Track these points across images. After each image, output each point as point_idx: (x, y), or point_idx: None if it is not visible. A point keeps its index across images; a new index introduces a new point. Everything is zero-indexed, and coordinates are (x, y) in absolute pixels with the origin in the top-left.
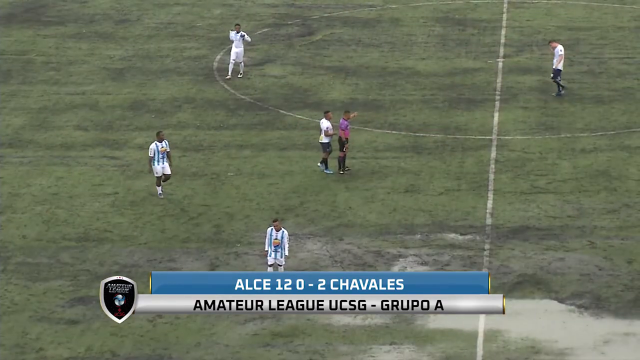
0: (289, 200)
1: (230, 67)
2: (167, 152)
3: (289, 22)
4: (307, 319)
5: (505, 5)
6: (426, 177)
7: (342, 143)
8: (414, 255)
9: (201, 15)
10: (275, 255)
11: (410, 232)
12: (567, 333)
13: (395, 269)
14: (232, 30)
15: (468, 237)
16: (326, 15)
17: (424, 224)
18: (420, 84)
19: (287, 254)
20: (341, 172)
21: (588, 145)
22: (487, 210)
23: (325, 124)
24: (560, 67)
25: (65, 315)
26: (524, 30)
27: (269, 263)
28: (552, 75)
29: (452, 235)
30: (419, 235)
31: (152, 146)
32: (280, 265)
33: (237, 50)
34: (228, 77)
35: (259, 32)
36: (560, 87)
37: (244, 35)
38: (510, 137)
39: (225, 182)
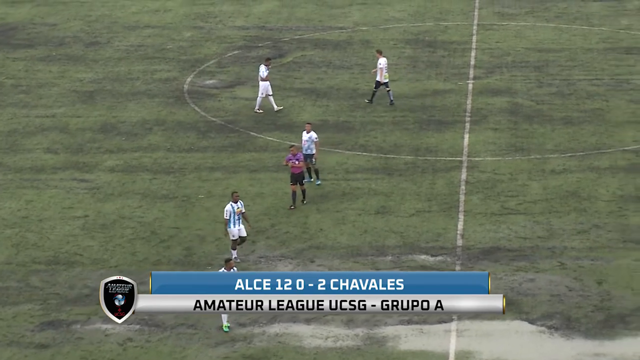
0: (260, 222)
1: (259, 101)
2: (243, 212)
3: (260, 45)
4: (278, 342)
5: (475, 27)
6: (397, 198)
7: (297, 177)
8: None
9: (171, 38)
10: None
11: (381, 253)
12: (538, 354)
13: None
14: (263, 64)
15: (439, 258)
16: (297, 37)
17: (395, 245)
18: (391, 106)
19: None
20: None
21: (558, 166)
22: (458, 232)
23: (306, 136)
24: (380, 79)
25: (35, 340)
26: (494, 52)
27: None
28: (374, 85)
29: (423, 256)
30: (390, 257)
31: (228, 207)
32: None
33: (264, 83)
34: (261, 111)
35: (230, 54)
36: (371, 99)
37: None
38: (480, 159)
39: (196, 204)
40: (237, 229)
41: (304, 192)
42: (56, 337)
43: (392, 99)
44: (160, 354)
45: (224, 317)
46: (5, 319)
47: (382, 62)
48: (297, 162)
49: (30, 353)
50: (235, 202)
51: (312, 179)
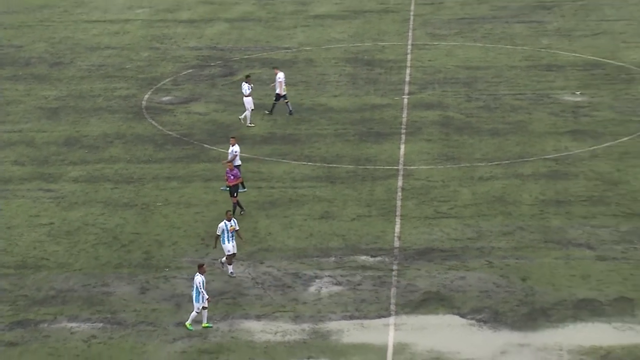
0: (214, 227)
1: (249, 115)
2: (237, 230)
3: (212, 64)
4: (231, 337)
5: (409, 47)
6: (339, 204)
7: (232, 190)
8: (328, 276)
9: (130, 58)
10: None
11: (325, 255)
12: (469, 345)
13: (312, 289)
14: (244, 82)
15: (378, 259)
16: (246, 57)
17: (337, 247)
18: (333, 119)
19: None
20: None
21: (485, 173)
22: (395, 234)
23: (230, 148)
24: (279, 91)
25: (4, 338)
26: (427, 69)
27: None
28: (274, 98)
29: (364, 257)
30: (334, 258)
31: (221, 225)
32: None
33: (248, 99)
34: (252, 125)
35: (184, 72)
36: (271, 110)
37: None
38: (415, 167)
39: (154, 211)
40: (232, 245)
41: (236, 204)
42: (24, 336)
43: (290, 109)
44: (122, 349)
45: (205, 315)
46: None
47: (281, 76)
48: (232, 177)
49: (0, 351)
50: (229, 220)
51: (245, 189)
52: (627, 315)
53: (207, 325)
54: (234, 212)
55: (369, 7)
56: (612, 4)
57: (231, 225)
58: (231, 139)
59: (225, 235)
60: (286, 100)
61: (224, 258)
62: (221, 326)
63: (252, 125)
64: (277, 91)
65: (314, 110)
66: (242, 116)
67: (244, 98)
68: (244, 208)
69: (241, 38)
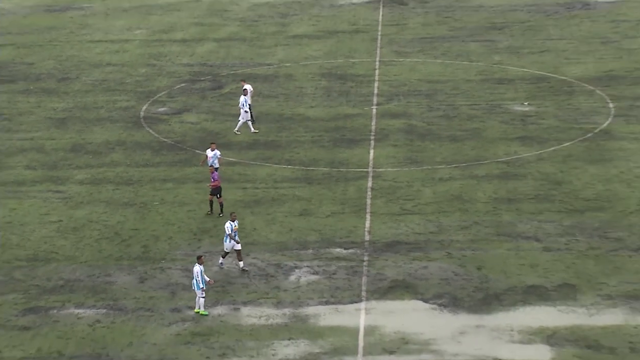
0: (204, 224)
1: (250, 123)
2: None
3: (202, 79)
4: (220, 321)
5: (377, 63)
6: (316, 203)
7: (215, 191)
8: (307, 266)
9: (129, 74)
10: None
11: (303, 248)
12: (431, 327)
13: (292, 278)
14: (243, 95)
15: (350, 251)
16: (232, 72)
17: (314, 241)
18: (310, 127)
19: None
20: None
21: (445, 175)
22: (366, 229)
23: (210, 153)
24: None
25: (18, 323)
26: (393, 83)
27: (238, 248)
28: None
29: (338, 249)
30: (311, 250)
31: (228, 225)
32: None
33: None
34: (256, 130)
35: (178, 86)
36: (253, 119)
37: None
38: (383, 169)
39: (151, 210)
40: (232, 244)
41: (221, 204)
42: (36, 321)
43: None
44: (123, 333)
45: (202, 303)
46: None
47: (248, 87)
48: (213, 180)
49: (14, 334)
50: (233, 221)
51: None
52: (570, 299)
53: (201, 312)
54: (221, 211)
55: (341, 28)
56: (556, 25)
57: (235, 226)
58: (212, 145)
59: (229, 233)
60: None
61: (221, 259)
62: (211, 311)
63: (257, 131)
64: (249, 102)
65: (293, 119)
66: (254, 130)
67: (242, 110)
68: (213, 212)
69: (228, 56)
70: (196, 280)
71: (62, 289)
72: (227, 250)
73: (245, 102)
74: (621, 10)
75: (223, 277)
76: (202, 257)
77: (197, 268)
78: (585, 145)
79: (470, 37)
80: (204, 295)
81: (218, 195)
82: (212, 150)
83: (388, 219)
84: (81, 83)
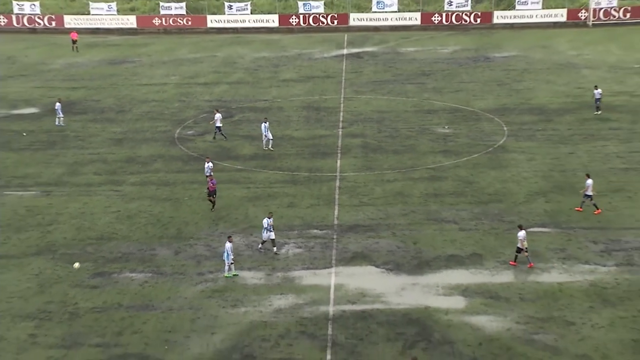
0: (220, 212)
1: (269, 141)
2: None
3: (219, 111)
4: (232, 282)
5: (342, 99)
6: (299, 198)
7: (211, 193)
8: (293, 243)
9: (167, 107)
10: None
11: (291, 229)
12: (380, 284)
13: (283, 251)
14: (263, 122)
15: (324, 231)
16: (240, 105)
17: (299, 224)
18: (295, 144)
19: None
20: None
21: (390, 178)
22: (335, 216)
23: (206, 165)
24: (219, 125)
25: (90, 283)
26: (353, 112)
27: (272, 237)
28: (217, 130)
29: (315, 231)
30: (296, 231)
31: (265, 220)
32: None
33: (266, 132)
34: (272, 149)
35: (201, 116)
36: (224, 136)
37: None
38: (347, 174)
39: (182, 203)
40: (269, 234)
41: (214, 203)
42: (102, 282)
43: (220, 136)
44: (163, 290)
45: (231, 268)
46: (72, 272)
47: (219, 116)
48: (211, 184)
49: (87, 291)
50: (270, 218)
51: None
52: (478, 265)
53: (232, 275)
54: (212, 207)
55: (317, 74)
56: (466, 72)
57: (270, 221)
58: (207, 158)
59: (266, 227)
60: (221, 131)
61: (260, 245)
62: (224, 274)
63: (272, 149)
64: (217, 124)
65: (283, 138)
66: (270, 146)
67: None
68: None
69: (237, 94)
70: (227, 253)
71: (120, 259)
72: (264, 239)
73: (266, 128)
74: (511, 62)
75: (234, 251)
76: (232, 237)
77: (228, 245)
78: (488, 157)
79: (407, 80)
80: (230, 265)
81: (213, 196)
82: (207, 162)
83: (350, 209)
84: (132, 114)
